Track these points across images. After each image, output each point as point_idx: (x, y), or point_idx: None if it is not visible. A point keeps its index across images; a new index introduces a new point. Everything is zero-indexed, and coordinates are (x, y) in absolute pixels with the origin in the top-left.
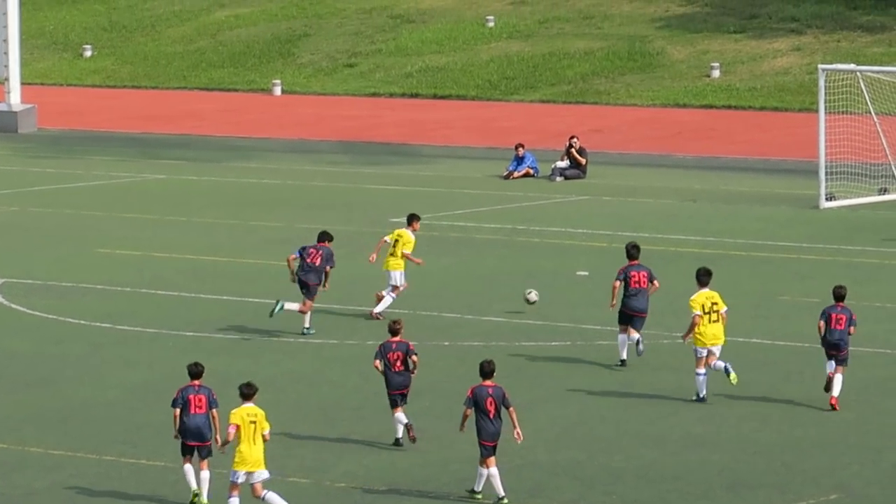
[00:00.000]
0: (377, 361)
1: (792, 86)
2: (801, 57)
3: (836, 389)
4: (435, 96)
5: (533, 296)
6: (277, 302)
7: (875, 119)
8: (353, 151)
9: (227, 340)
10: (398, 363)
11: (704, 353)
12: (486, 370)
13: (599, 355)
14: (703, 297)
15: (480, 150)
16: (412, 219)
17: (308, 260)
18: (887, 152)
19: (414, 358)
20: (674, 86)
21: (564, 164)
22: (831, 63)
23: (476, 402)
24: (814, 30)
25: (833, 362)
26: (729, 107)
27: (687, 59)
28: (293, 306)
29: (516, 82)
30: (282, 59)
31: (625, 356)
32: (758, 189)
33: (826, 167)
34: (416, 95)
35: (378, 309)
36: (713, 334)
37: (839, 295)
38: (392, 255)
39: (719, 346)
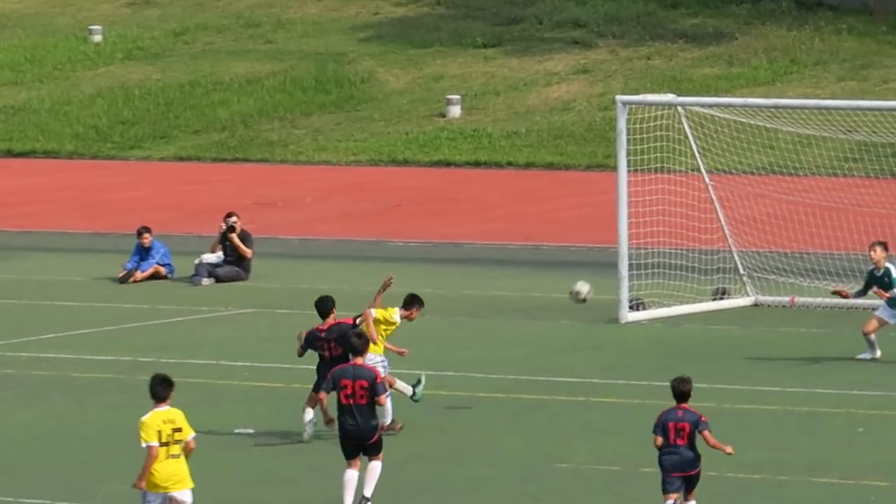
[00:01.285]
0: None
1: (576, 129)
2: (589, 83)
3: None
4: (9, 153)
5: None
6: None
7: (707, 180)
8: None
9: None
10: None
11: (158, 502)
12: None
13: None
14: (160, 419)
15: (82, 238)
16: (413, 303)
17: (328, 355)
18: (726, 232)
19: None
20: (389, 132)
21: (216, 257)
22: (636, 92)
23: None
24: (609, 40)
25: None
26: (477, 164)
27: (410, 88)
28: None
29: (139, 129)
30: None
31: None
32: (524, 293)
33: (630, 257)
34: None
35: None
36: (171, 474)
37: (681, 393)
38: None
39: (187, 492)
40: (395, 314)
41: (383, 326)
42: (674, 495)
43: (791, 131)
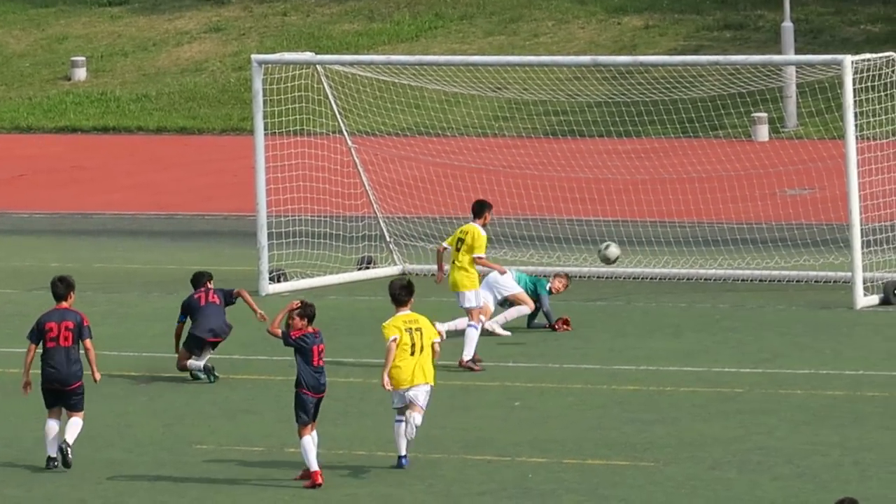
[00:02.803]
0: None
1: (210, 91)
2: (222, 42)
3: None
4: None
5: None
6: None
7: (349, 142)
8: None
9: None
10: None
11: None
12: None
13: None
14: None
15: None
16: (482, 209)
17: (203, 302)
18: (371, 198)
19: None
20: (11, 97)
21: None
22: (273, 51)
23: None
24: None
25: None
26: (105, 129)
27: (31, 50)
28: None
29: None
30: None
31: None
32: (158, 265)
33: (270, 226)
34: None
35: (465, 355)
36: None
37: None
38: (457, 263)
39: None
40: (479, 228)
41: (474, 246)
42: None
43: (437, 89)
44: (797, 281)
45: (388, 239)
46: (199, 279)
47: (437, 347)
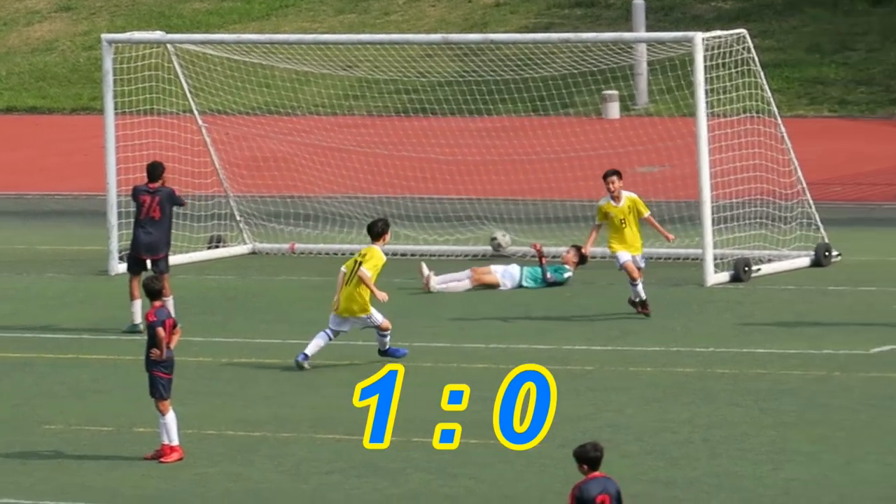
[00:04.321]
0: None
1: (60, 70)
2: (73, 22)
3: None
4: None
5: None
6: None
7: (199, 121)
8: None
9: None
10: None
11: None
12: None
13: None
14: None
15: None
16: (608, 174)
17: (144, 212)
18: (221, 177)
19: None
20: None
21: None
22: (123, 30)
23: None
24: None
25: None
26: None
27: None
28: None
29: None
30: None
31: None
32: (7, 245)
33: (120, 205)
34: None
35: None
36: None
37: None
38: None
39: None
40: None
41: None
42: None
43: (288, 68)
44: (648, 258)
45: (238, 218)
46: (153, 171)
47: (360, 273)
